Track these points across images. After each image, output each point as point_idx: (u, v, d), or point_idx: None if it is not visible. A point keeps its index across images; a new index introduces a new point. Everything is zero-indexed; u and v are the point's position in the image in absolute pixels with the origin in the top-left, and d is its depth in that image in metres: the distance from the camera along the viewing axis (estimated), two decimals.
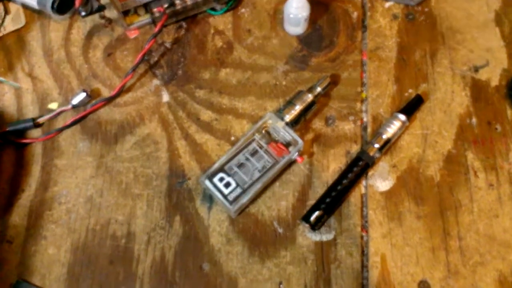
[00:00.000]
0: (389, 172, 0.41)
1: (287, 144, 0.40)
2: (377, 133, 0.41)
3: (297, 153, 0.39)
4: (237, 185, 0.39)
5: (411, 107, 0.42)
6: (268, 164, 0.39)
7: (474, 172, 0.40)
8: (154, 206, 0.41)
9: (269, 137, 0.41)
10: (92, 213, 0.41)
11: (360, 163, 0.40)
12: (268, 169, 0.39)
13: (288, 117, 0.41)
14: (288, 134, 0.40)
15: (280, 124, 0.40)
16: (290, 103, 0.41)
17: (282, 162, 0.39)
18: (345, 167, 0.41)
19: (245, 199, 0.38)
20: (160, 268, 0.39)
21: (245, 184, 0.39)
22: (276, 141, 0.40)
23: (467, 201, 0.39)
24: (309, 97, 0.41)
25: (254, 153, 0.40)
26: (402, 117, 0.40)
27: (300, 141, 0.39)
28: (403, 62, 0.44)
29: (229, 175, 0.39)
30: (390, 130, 0.40)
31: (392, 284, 0.37)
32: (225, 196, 0.38)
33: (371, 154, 0.40)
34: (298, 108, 0.41)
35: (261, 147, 0.40)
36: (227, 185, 0.39)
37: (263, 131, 0.41)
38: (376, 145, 0.40)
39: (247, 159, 0.39)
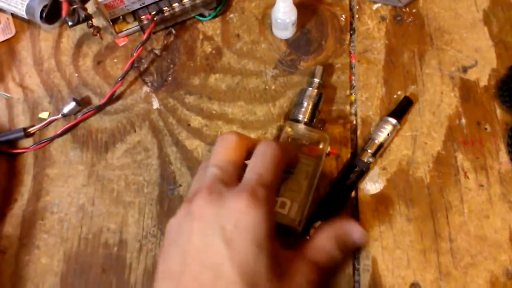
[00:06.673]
0: (379, 175, 0.41)
1: (316, 143, 0.40)
2: (369, 139, 0.41)
3: (328, 146, 0.40)
4: (292, 201, 0.37)
5: (401, 110, 0.42)
6: (310, 169, 0.39)
7: (464, 173, 0.40)
8: (146, 213, 0.41)
9: (298, 144, 0.40)
10: (84, 222, 0.41)
11: (356, 170, 0.40)
12: (312, 173, 0.38)
13: (303, 117, 0.40)
14: (312, 133, 0.40)
15: (301, 127, 0.40)
16: (299, 105, 0.41)
17: (322, 160, 0.39)
18: (336, 172, 0.41)
19: (305, 211, 0.37)
20: (152, 276, 0.39)
21: (298, 197, 0.38)
22: (304, 145, 0.40)
23: (457, 202, 0.39)
24: (312, 90, 0.41)
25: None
26: (393, 120, 0.40)
27: (326, 134, 0.40)
28: (392, 64, 0.44)
29: (278, 195, 0.38)
30: (382, 135, 0.40)
31: (383, 287, 0.38)
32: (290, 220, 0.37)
33: (365, 160, 0.40)
34: (307, 105, 0.41)
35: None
36: (283, 205, 0.37)
37: (289, 141, 0.40)
38: (370, 151, 0.40)
39: (288, 172, 0.38)
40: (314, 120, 0.41)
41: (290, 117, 0.42)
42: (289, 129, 0.40)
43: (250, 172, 0.32)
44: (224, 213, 0.29)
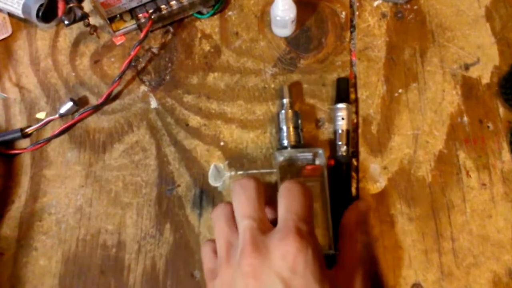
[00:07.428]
0: (380, 174, 0.40)
1: (312, 161, 0.39)
2: (334, 132, 0.41)
3: (324, 159, 0.39)
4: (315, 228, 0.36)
5: (343, 92, 0.42)
6: (317, 189, 0.38)
7: (466, 172, 0.40)
8: (144, 214, 0.41)
9: (296, 168, 0.39)
10: (82, 223, 0.41)
11: (342, 168, 0.40)
12: (321, 192, 0.38)
13: (289, 142, 0.39)
14: (305, 153, 0.39)
15: (291, 152, 0.39)
16: (280, 131, 0.40)
17: (325, 176, 0.38)
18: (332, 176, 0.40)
19: (330, 230, 0.37)
20: (151, 277, 0.39)
21: (318, 222, 0.37)
22: (302, 167, 0.39)
23: (459, 201, 0.39)
24: (286, 112, 0.40)
25: None
26: (342, 105, 0.40)
27: (319, 149, 0.39)
28: (393, 62, 0.43)
29: None
30: (342, 123, 0.40)
31: (385, 287, 0.37)
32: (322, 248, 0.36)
33: (344, 154, 0.40)
34: (287, 128, 0.40)
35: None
36: None
37: (285, 169, 0.39)
38: (340, 142, 0.40)
39: None
40: (301, 139, 0.40)
41: (276, 146, 0.41)
42: (280, 159, 0.39)
43: (286, 213, 0.31)
44: (276, 261, 0.29)
